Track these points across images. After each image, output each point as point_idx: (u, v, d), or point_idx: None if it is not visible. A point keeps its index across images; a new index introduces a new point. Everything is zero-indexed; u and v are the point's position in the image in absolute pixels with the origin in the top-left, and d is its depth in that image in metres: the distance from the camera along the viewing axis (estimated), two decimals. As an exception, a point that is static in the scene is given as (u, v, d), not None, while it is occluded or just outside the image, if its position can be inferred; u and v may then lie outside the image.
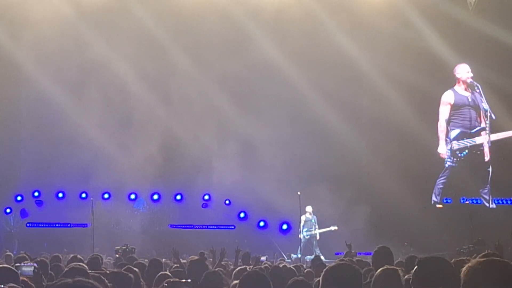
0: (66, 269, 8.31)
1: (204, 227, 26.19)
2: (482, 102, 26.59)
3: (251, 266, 12.13)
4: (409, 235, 24.22)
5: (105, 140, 25.52)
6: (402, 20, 26.41)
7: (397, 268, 7.11)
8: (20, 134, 26.48)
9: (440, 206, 26.67)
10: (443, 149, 26.72)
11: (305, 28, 26.04)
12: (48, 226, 26.25)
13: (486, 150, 26.72)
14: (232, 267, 12.94)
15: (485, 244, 19.25)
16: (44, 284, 8.11)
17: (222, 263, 13.46)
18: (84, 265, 9.15)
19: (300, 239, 24.67)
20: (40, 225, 26.37)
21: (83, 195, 25.90)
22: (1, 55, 25.95)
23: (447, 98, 26.80)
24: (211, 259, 14.97)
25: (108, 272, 9.56)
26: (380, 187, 25.48)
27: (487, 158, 26.68)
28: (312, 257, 19.90)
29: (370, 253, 22.22)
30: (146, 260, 13.80)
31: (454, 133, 26.75)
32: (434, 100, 26.76)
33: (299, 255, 23.84)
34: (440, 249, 22.82)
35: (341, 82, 26.04)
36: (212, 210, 26.54)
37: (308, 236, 25.11)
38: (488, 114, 26.46)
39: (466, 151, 26.69)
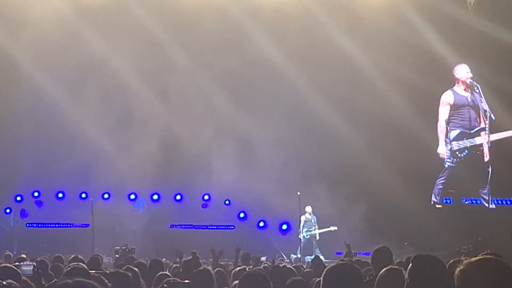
0: (67, 269, 8.32)
1: (204, 227, 26.20)
2: (481, 102, 26.61)
3: (251, 266, 12.15)
4: (408, 235, 24.21)
5: (105, 140, 25.51)
6: (402, 19, 26.41)
7: (401, 268, 7.13)
8: (19, 134, 26.45)
9: (440, 206, 26.69)
10: (442, 150, 26.73)
11: (304, 27, 26.05)
12: (48, 227, 26.25)
13: (486, 150, 26.74)
14: (232, 267, 12.94)
15: (484, 244, 19.27)
16: (43, 283, 8.12)
17: (222, 263, 13.48)
18: (85, 265, 9.16)
19: (300, 239, 24.69)
20: (40, 225, 26.37)
21: (83, 195, 25.90)
22: (0, 54, 25.96)
23: (447, 98, 26.82)
24: (210, 259, 15.00)
25: (107, 272, 9.57)
26: (380, 188, 25.46)
27: (486, 158, 26.70)
28: (312, 257, 19.91)
29: (370, 253, 22.26)
30: (146, 259, 13.80)
31: (453, 133, 26.76)
32: (434, 100, 26.77)
33: (299, 255, 23.86)
34: (440, 249, 22.83)
35: (340, 81, 26.05)
36: (212, 210, 26.55)
37: (308, 236, 25.13)
38: (488, 114, 26.47)
39: (466, 151, 26.70)
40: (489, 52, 25.93)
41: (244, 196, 25.58)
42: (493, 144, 26.62)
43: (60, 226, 26.18)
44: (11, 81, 26.20)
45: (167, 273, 9.42)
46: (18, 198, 26.34)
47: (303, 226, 24.99)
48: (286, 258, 22.55)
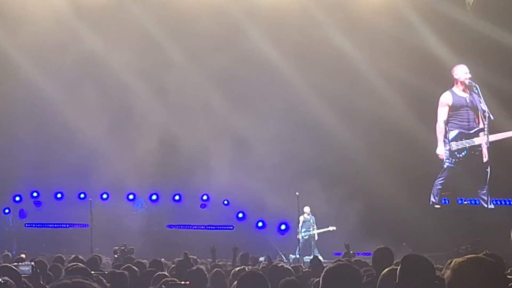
0: (69, 269, 8.32)
1: (202, 227, 26.20)
2: (480, 103, 26.61)
3: (250, 267, 12.15)
4: (407, 235, 24.23)
5: (104, 140, 25.51)
6: (400, 19, 26.40)
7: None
8: (18, 133, 26.40)
9: (439, 206, 26.70)
10: (441, 150, 26.73)
11: (302, 26, 26.06)
12: (46, 227, 26.25)
13: (485, 151, 26.74)
14: (230, 267, 12.93)
15: (483, 244, 19.27)
16: (42, 283, 8.12)
17: (220, 263, 13.47)
18: (83, 266, 9.16)
19: (299, 239, 24.69)
20: (38, 225, 26.37)
21: (82, 195, 25.90)
22: (-1, 54, 26.02)
23: (445, 99, 26.81)
24: (209, 259, 15.01)
25: (106, 272, 9.58)
26: (378, 188, 25.45)
27: (485, 159, 26.70)
28: (311, 257, 19.91)
29: (369, 253, 22.22)
30: (145, 261, 13.80)
31: (452, 134, 26.77)
32: (432, 100, 26.76)
33: (298, 256, 23.85)
34: (439, 250, 22.85)
35: (337, 81, 26.01)
36: (210, 210, 26.55)
37: (307, 237, 25.12)
38: (487, 114, 26.47)
39: (465, 152, 26.70)
40: (488, 53, 25.94)
41: (242, 197, 25.60)
42: (492, 145, 26.62)
43: (59, 226, 26.17)
44: (9, 80, 26.18)
45: (166, 273, 9.41)
46: (17, 198, 26.34)
47: (301, 226, 24.99)
48: (284, 259, 22.55)
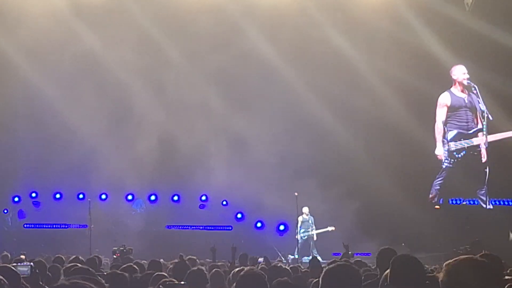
0: (71, 270, 8.32)
1: (201, 228, 26.19)
2: (479, 103, 26.61)
3: (249, 267, 12.14)
4: (406, 236, 24.22)
5: (103, 140, 25.50)
6: (398, 19, 26.39)
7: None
8: (17, 134, 26.41)
9: (437, 207, 26.70)
10: (440, 151, 26.74)
11: (300, 26, 26.08)
12: (45, 227, 26.24)
13: (483, 151, 26.73)
14: (229, 268, 12.92)
15: (482, 244, 19.27)
16: (41, 284, 8.11)
17: (219, 263, 13.47)
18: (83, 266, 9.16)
19: (297, 239, 24.69)
20: (37, 226, 26.36)
21: (81, 196, 25.90)
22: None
23: (444, 100, 26.82)
24: (207, 259, 15.01)
25: (105, 273, 9.58)
26: (377, 188, 25.46)
27: (484, 159, 26.70)
28: (310, 257, 19.91)
29: (367, 253, 22.20)
30: (144, 261, 13.79)
31: (451, 134, 26.77)
32: (431, 100, 26.76)
33: (296, 256, 23.85)
34: (437, 250, 22.89)
35: (335, 81, 26.01)
36: (209, 211, 26.55)
37: (305, 237, 25.12)
38: (485, 115, 26.47)
39: (464, 152, 26.71)
40: (487, 53, 25.92)
41: (241, 197, 25.60)
42: (490, 145, 26.61)
43: (58, 227, 26.17)
44: (8, 80, 26.18)
45: (164, 273, 9.41)
46: (16, 199, 26.34)
47: (300, 227, 25.00)
48: (283, 259, 22.55)
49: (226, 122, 26.16)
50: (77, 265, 9.50)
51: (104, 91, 25.64)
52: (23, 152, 26.26)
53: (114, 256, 17.95)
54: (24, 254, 17.52)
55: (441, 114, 26.78)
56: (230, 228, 26.26)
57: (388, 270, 6.65)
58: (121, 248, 18.90)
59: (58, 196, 26.30)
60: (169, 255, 17.65)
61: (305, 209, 24.98)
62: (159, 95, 26.02)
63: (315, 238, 25.11)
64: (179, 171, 26.27)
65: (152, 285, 8.45)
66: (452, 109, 26.79)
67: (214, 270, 9.69)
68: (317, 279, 7.34)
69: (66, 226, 26.11)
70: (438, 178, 26.72)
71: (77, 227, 25.61)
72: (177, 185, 26.66)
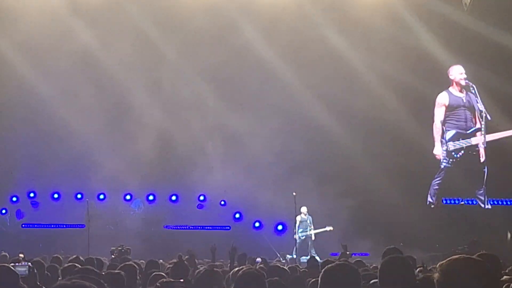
0: (75, 270, 8.31)
1: (199, 228, 26.18)
2: (477, 103, 26.61)
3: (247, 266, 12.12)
4: (404, 235, 24.19)
5: (101, 140, 25.48)
6: (396, 20, 26.37)
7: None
8: (14, 134, 26.35)
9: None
10: (438, 150, 26.73)
11: (297, 24, 26.04)
12: (43, 227, 26.22)
13: (482, 151, 26.73)
14: (228, 268, 12.92)
15: (480, 244, 19.30)
16: (38, 284, 8.11)
17: (217, 263, 13.46)
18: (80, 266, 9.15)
19: (296, 239, 24.67)
20: (35, 226, 26.34)
21: (79, 195, 25.89)
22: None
23: (442, 99, 26.81)
24: (206, 259, 14.99)
25: (102, 273, 9.56)
26: (375, 188, 25.47)
27: (482, 158, 26.69)
28: (308, 257, 19.90)
29: (366, 253, 22.19)
30: (142, 261, 13.80)
31: (449, 134, 26.76)
32: (429, 100, 26.74)
33: (295, 256, 23.84)
34: (435, 250, 22.89)
35: (332, 79, 25.94)
36: (207, 211, 26.53)
37: (304, 237, 25.10)
38: (484, 114, 26.47)
39: (462, 152, 26.70)
40: (485, 53, 25.92)
41: (239, 197, 25.59)
42: (489, 145, 26.61)
43: (56, 227, 26.15)
44: (4, 79, 26.15)
45: (162, 273, 9.41)
46: (14, 199, 26.32)
47: (298, 227, 24.96)
48: (282, 259, 22.54)
49: (224, 121, 26.13)
50: (76, 265, 9.48)
51: (101, 90, 25.65)
52: (21, 152, 26.23)
53: (112, 256, 17.93)
54: (22, 253, 17.52)
55: (439, 114, 26.77)
56: (228, 228, 26.25)
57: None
58: (119, 248, 18.88)
59: (56, 196, 26.28)
60: (167, 255, 17.67)
61: (304, 209, 24.95)
62: (156, 93, 26.01)
63: (313, 238, 25.08)
64: (177, 171, 26.26)
65: (150, 285, 8.45)
66: (451, 109, 26.78)
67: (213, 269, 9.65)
68: (315, 279, 7.34)
69: (64, 226, 26.08)
70: (436, 178, 26.71)
71: (75, 227, 25.57)
72: (175, 185, 26.64)
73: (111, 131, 25.49)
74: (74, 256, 12.32)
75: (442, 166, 26.72)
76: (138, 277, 9.31)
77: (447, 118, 26.80)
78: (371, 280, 7.56)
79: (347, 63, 26.31)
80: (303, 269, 12.76)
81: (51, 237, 25.03)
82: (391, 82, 26.13)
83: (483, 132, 26.63)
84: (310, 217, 25.19)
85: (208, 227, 26.08)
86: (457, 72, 26.68)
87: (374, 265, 12.29)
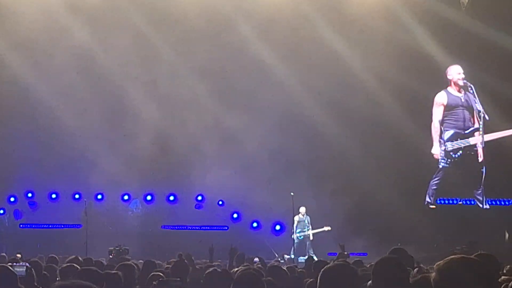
0: (77, 271, 8.30)
1: (197, 228, 26.17)
2: (475, 102, 26.61)
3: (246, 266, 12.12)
4: (402, 236, 24.18)
5: (99, 141, 25.46)
6: (394, 20, 26.34)
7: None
8: (12, 134, 26.31)
9: (434, 207, 26.69)
10: (436, 150, 26.72)
11: (294, 24, 26.03)
12: (41, 227, 26.20)
13: (480, 150, 26.72)
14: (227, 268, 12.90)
15: (478, 244, 19.28)
16: (36, 284, 8.09)
17: (216, 263, 13.46)
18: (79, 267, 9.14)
19: (293, 239, 24.67)
20: (33, 226, 26.32)
21: (77, 196, 25.86)
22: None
23: (440, 99, 26.80)
24: (204, 260, 14.97)
25: (101, 273, 9.54)
26: (373, 188, 25.46)
27: (480, 158, 26.69)
28: (306, 257, 19.90)
29: (364, 253, 22.19)
30: (140, 261, 13.78)
31: (447, 134, 26.76)
32: (427, 100, 26.72)
33: (292, 256, 23.84)
34: (434, 250, 22.87)
35: (329, 79, 25.91)
36: (205, 211, 26.52)
37: (302, 237, 25.10)
38: (482, 114, 26.47)
39: (460, 152, 26.70)
40: (483, 53, 25.93)
41: (237, 197, 25.59)
42: (487, 145, 26.60)
43: (54, 227, 26.13)
44: (1, 78, 26.11)
45: (160, 273, 9.39)
46: (12, 199, 26.29)
47: (296, 227, 24.97)
48: (280, 259, 22.55)
49: (221, 120, 26.10)
50: (74, 265, 9.47)
51: (98, 90, 25.63)
52: (19, 152, 26.18)
53: (110, 256, 17.92)
54: (20, 253, 17.51)
55: (437, 113, 26.76)
56: (226, 228, 26.25)
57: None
58: (117, 248, 18.88)
59: (54, 196, 26.26)
60: (165, 255, 17.65)
61: (302, 209, 24.95)
62: (154, 92, 25.97)
63: (311, 238, 25.08)
64: (175, 171, 26.25)
65: (148, 284, 8.44)
66: (449, 108, 26.78)
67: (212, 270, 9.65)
68: (312, 279, 7.34)
69: (62, 227, 26.06)
70: (434, 178, 26.70)
71: (73, 227, 25.55)
72: (173, 185, 26.62)
73: (108, 130, 25.47)
74: (73, 257, 12.32)
75: (440, 166, 26.72)
76: (136, 277, 9.29)
77: (445, 118, 26.79)
78: (370, 280, 7.56)
79: (344, 62, 26.27)
80: (300, 269, 12.76)
81: (49, 238, 25.00)
82: (389, 82, 26.11)
83: (481, 132, 26.63)
84: (308, 217, 25.19)
85: (206, 227, 26.07)
86: (455, 72, 26.68)
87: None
